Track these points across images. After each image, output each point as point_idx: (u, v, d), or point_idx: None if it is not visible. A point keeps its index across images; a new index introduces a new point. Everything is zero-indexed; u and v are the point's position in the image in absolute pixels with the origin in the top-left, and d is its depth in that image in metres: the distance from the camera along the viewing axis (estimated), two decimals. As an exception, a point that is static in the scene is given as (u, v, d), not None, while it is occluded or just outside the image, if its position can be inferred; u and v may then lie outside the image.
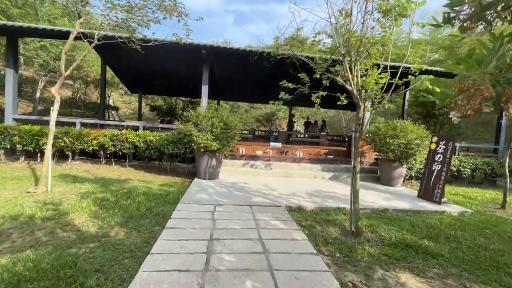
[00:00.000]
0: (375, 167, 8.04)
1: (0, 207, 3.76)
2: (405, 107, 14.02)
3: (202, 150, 5.73)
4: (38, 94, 14.78)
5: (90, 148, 7.09)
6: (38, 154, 7.16)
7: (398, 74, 3.67)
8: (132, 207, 4.03)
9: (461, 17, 1.64)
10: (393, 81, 3.63)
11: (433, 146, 5.66)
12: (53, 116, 4.49)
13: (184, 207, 4.07)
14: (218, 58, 11.55)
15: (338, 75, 4.21)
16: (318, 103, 5.30)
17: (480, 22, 1.62)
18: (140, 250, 2.75)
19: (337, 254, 2.96)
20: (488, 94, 1.69)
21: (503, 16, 1.56)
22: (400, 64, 3.78)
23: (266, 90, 17.38)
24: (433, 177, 5.52)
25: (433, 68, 8.73)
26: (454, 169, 7.73)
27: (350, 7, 3.56)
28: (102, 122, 8.74)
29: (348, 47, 3.71)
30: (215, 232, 3.17)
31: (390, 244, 3.31)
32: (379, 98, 3.74)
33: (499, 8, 1.52)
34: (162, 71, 14.28)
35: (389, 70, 3.53)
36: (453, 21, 1.67)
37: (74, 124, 7.85)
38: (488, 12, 1.56)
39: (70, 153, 7.20)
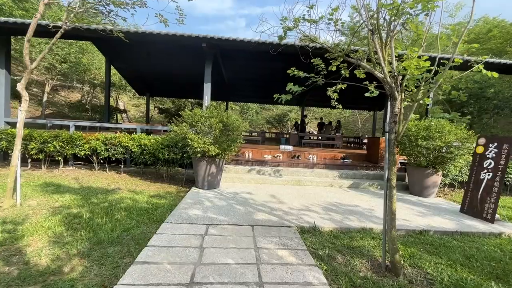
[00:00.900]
0: (402, 173, 6.96)
1: None
2: (429, 105, 12.79)
3: (199, 155, 4.94)
4: (45, 98, 14.61)
5: (82, 153, 6.49)
6: (29, 160, 6.64)
7: (451, 60, 2.71)
8: (106, 227, 3.27)
9: None
10: (437, 69, 2.67)
11: (480, 149, 4.59)
12: (21, 117, 3.83)
13: (169, 228, 3.26)
14: (223, 54, 10.81)
15: (362, 61, 3.29)
16: (335, 98, 4.39)
17: None
18: (87, 304, 1.96)
19: (372, 312, 2.04)
20: None
21: None
22: (442, 55, 2.80)
23: (278, 89, 16.47)
24: (481, 188, 4.45)
25: (502, 61, 7.50)
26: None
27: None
28: (98, 124, 8.19)
29: (377, 20, 2.79)
30: (199, 271, 2.33)
31: (445, 290, 2.35)
32: (423, 88, 2.79)
33: None
34: (167, 72, 13.77)
35: (439, 51, 2.57)
36: None
37: (68, 127, 7.30)
38: None
39: (61, 159, 6.63)
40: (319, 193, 5.51)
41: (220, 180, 5.53)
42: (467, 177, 6.38)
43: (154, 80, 15.67)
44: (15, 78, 12.70)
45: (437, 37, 2.56)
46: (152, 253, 2.61)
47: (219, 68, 12.98)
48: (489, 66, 7.53)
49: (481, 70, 2.55)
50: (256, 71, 13.97)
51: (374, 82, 3.80)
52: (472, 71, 2.66)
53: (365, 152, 9.44)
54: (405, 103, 3.01)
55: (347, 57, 3.32)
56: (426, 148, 5.31)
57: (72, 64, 14.16)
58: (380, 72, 2.90)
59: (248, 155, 7.53)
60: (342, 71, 4.11)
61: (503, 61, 7.48)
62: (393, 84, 2.72)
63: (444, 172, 5.88)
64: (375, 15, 2.76)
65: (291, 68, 3.64)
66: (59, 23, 4.57)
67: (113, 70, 16.20)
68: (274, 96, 3.64)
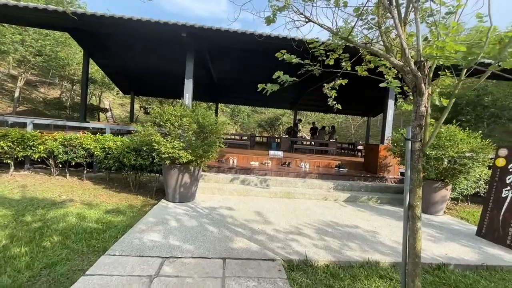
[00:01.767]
0: (401, 185, 6.25)
1: None
2: (428, 110, 12.24)
3: (168, 162, 4.07)
4: (17, 93, 13.42)
5: (36, 156, 5.51)
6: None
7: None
8: (21, 262, 2.37)
9: None
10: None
11: (501, 162, 3.89)
12: None
13: (109, 264, 2.39)
14: (212, 51, 10.04)
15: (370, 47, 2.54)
16: (332, 96, 3.65)
17: None
18: None
19: None
20: None
21: None
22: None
23: (271, 92, 15.73)
24: (504, 208, 3.74)
25: None
26: None
27: None
28: (61, 123, 7.20)
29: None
30: None
31: None
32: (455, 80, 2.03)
33: None
34: (152, 69, 12.85)
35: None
36: None
37: (25, 124, 6.31)
38: None
39: (11, 162, 5.63)
40: (312, 208, 4.71)
41: (195, 191, 4.66)
42: (473, 190, 5.73)
43: (138, 77, 14.71)
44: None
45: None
46: (62, 315, 1.74)
47: (207, 67, 12.18)
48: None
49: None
50: (248, 71, 13.22)
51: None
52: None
53: (361, 160, 8.74)
54: (435, 97, 2.26)
55: (350, 42, 2.54)
56: (436, 158, 4.60)
57: (48, 58, 13.04)
58: (398, 57, 2.14)
59: (233, 162, 6.69)
60: (343, 63, 3.36)
61: None
62: (418, 73, 1.95)
63: (454, 185, 5.18)
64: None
65: (281, 51, 2.85)
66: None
67: (96, 67, 15.18)
68: (259, 86, 2.85)
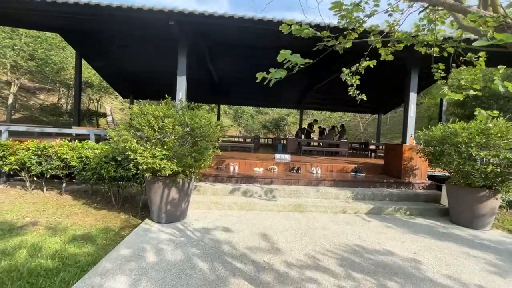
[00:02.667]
0: (432, 191, 5.33)
1: None
2: (444, 107, 11.30)
3: (148, 175, 3.26)
4: (11, 100, 12.88)
5: (7, 168, 4.79)
6: None
7: None
8: None
9: None
10: None
11: None
12: None
13: None
14: (211, 48, 9.28)
15: None
16: (354, 85, 2.81)
17: None
18: None
19: None
20: None
21: None
22: None
23: (275, 91, 14.94)
24: None
25: None
26: None
27: None
28: (38, 129, 6.48)
29: None
30: None
31: None
32: None
33: None
34: (148, 69, 12.16)
35: None
36: None
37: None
38: None
39: (-21, 175, 4.92)
40: (329, 226, 3.83)
41: (186, 208, 3.83)
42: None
43: (135, 80, 14.06)
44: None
45: None
46: None
47: (207, 66, 11.44)
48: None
49: None
50: (249, 69, 12.38)
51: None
52: None
53: (379, 162, 7.81)
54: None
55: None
56: (485, 162, 3.67)
57: (41, 62, 12.47)
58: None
59: (234, 169, 5.86)
60: (372, 37, 2.51)
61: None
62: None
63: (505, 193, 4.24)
64: None
65: (286, 23, 2.01)
66: None
67: (93, 71, 14.59)
68: (258, 75, 2.00)
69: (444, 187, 4.84)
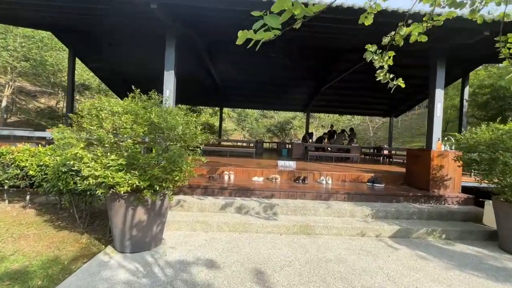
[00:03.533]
0: (470, 208, 4.35)
1: None
2: (464, 109, 10.24)
3: (102, 191, 2.43)
4: (4, 103, 12.39)
5: (-42, 178, 4.05)
6: None
7: None
8: None
9: None
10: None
11: None
12: None
13: None
14: (210, 46, 8.57)
15: None
16: (386, 66, 1.90)
17: None
18: None
19: None
20: None
21: None
22: None
23: (280, 92, 14.12)
24: None
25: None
26: None
27: None
28: (6, 132, 5.77)
29: None
30: None
31: None
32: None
33: None
34: (146, 70, 11.50)
35: None
36: None
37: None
38: None
39: None
40: (346, 257, 2.92)
41: (160, 232, 2.99)
42: None
43: (134, 81, 13.45)
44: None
45: None
46: None
47: (207, 66, 10.72)
48: None
49: None
50: (254, 70, 11.68)
51: None
52: None
53: (396, 169, 6.85)
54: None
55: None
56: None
57: (35, 63, 11.98)
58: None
59: (229, 178, 5.00)
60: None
61: None
62: None
63: None
64: None
65: None
66: None
67: (92, 73, 14.08)
68: (239, 34, 1.13)
69: (488, 204, 3.88)
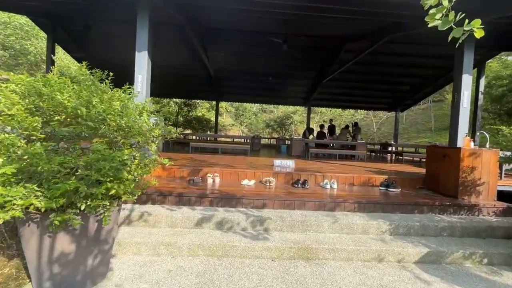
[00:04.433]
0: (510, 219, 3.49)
1: None
2: (479, 101, 9.38)
3: (4, 216, 1.57)
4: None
5: None
6: None
7: None
8: None
9: None
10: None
11: None
12: None
13: None
14: (204, 33, 7.70)
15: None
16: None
17: None
18: None
19: None
20: None
21: None
22: None
23: (280, 85, 13.19)
24: None
25: None
26: None
27: None
28: None
29: None
30: None
31: None
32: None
33: None
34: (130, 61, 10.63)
35: None
36: None
37: None
38: None
39: None
40: (363, 301, 2.08)
41: (99, 266, 2.13)
42: None
43: (121, 72, 12.58)
44: None
45: None
46: None
47: (200, 57, 9.82)
48: None
49: None
50: (252, 61, 10.77)
51: None
52: None
53: (411, 169, 5.99)
54: None
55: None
56: None
57: (14, 52, 11.07)
58: None
59: (213, 182, 4.14)
60: None
61: None
62: None
63: None
64: None
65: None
66: None
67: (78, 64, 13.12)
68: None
69: (542, 218, 3.01)
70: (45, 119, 1.72)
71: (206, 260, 2.58)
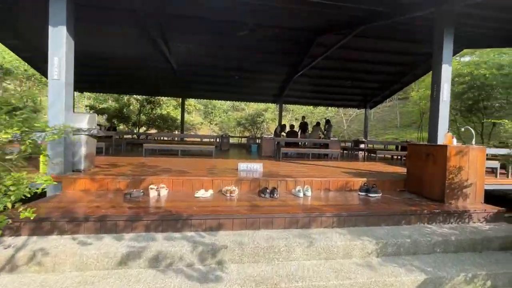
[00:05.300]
0: (504, 226, 3.09)
1: None
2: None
3: None
4: None
5: None
6: None
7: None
8: None
9: None
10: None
11: None
12: None
13: None
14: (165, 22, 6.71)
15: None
16: None
17: None
18: None
19: None
20: None
21: None
22: None
23: (250, 81, 12.42)
24: None
25: None
26: None
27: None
28: None
29: None
30: None
31: None
32: None
33: None
34: (91, 53, 9.16)
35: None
36: None
37: None
38: None
39: None
40: None
41: None
42: None
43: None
44: None
45: None
46: None
47: (161, 49, 8.73)
48: None
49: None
50: (220, 55, 9.89)
51: None
52: None
53: (391, 168, 5.59)
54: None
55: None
56: None
57: None
58: None
59: (158, 195, 3.25)
60: None
61: None
62: None
63: None
64: None
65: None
66: None
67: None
68: None
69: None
70: None
71: (125, 323, 1.72)
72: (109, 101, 18.03)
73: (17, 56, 11.39)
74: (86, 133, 3.62)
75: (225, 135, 10.42)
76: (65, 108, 3.43)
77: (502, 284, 2.36)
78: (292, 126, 10.35)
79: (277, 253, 2.34)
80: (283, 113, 21.97)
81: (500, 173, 5.03)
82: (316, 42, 8.74)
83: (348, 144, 11.96)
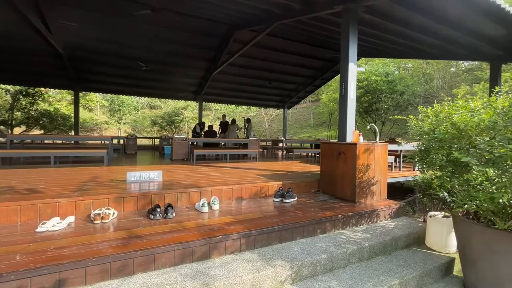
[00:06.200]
0: (405, 221, 3.17)
1: None
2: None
3: None
4: None
5: None
6: None
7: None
8: None
9: None
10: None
11: None
12: None
13: None
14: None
15: None
16: None
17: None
18: None
19: None
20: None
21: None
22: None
23: (165, 75, 10.91)
24: None
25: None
26: None
27: None
28: None
29: None
30: None
31: None
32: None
33: None
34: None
35: None
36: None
37: None
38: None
39: None
40: None
41: None
42: None
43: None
44: None
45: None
46: None
47: (34, 26, 6.56)
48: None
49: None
50: (124, 40, 8.24)
51: None
52: None
53: (307, 167, 5.49)
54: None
55: None
56: None
57: None
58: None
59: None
60: None
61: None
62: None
63: None
64: None
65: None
66: None
67: None
68: None
69: (435, 220, 2.67)
70: None
71: None
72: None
73: None
74: None
75: (130, 136, 8.78)
76: None
77: (412, 289, 2.24)
78: (210, 126, 9.60)
79: (153, 314, 1.55)
80: (206, 112, 20.89)
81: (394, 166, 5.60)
82: (233, 38, 8.28)
83: (269, 143, 12.04)
